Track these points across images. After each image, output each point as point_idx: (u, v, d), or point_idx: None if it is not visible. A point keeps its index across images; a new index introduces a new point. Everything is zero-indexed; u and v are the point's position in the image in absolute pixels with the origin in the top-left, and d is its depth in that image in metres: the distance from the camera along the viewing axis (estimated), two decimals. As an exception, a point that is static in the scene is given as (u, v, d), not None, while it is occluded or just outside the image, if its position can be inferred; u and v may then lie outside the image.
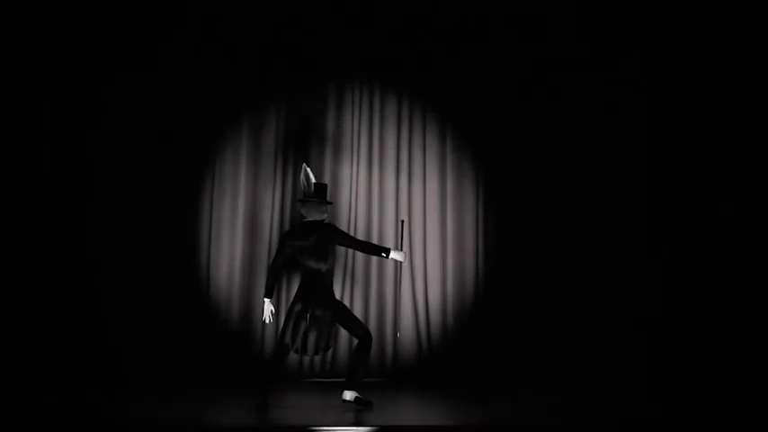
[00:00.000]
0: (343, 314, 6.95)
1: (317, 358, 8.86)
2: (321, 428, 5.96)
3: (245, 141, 9.17)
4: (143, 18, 8.90)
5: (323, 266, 6.93)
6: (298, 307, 6.88)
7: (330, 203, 7.23)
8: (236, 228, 9.09)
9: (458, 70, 9.30)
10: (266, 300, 7.02)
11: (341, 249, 8.99)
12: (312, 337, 6.87)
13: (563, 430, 6.08)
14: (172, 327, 8.88)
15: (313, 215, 6.95)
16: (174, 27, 9.03)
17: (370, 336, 6.98)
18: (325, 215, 7.02)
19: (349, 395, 6.83)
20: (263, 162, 9.17)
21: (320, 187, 7.00)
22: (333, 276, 7.03)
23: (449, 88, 9.30)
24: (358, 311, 8.94)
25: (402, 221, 7.61)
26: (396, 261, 7.18)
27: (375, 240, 9.06)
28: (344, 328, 7.00)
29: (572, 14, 9.03)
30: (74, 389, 7.98)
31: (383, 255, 7.06)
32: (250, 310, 8.98)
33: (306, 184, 6.96)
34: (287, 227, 8.94)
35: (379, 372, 8.98)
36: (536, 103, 9.24)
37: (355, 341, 7.01)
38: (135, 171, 8.94)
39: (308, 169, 7.02)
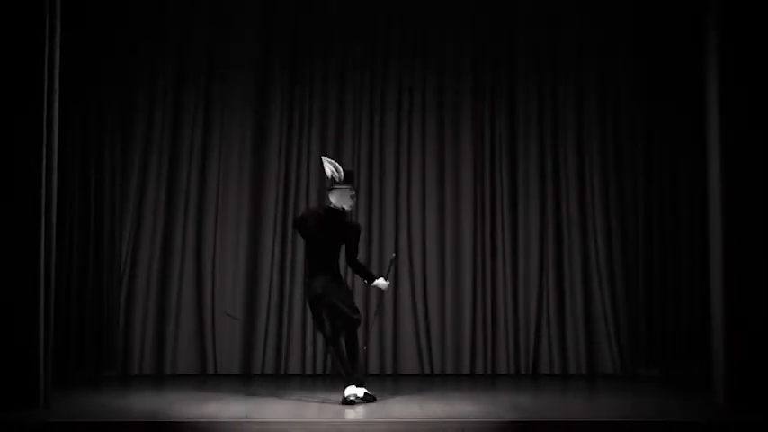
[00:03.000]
0: (347, 295, 7.00)
1: (319, 353, 8.97)
2: (323, 421, 6.06)
3: (248, 141, 9.32)
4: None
5: (336, 253, 6.95)
6: (317, 297, 6.84)
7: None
8: (241, 221, 9.24)
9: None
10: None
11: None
12: (336, 320, 6.84)
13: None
14: (177, 323, 9.06)
15: (345, 202, 6.92)
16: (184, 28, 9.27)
17: (354, 323, 6.90)
18: (353, 203, 7.02)
19: (359, 392, 6.83)
20: (266, 159, 9.28)
21: (349, 174, 7.00)
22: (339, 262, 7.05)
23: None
24: (358, 307, 9.06)
25: (394, 255, 7.70)
26: (379, 288, 7.26)
27: (374, 242, 9.17)
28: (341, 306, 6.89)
29: None
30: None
31: (365, 281, 7.19)
32: (254, 305, 9.13)
33: (335, 171, 6.87)
34: (289, 224, 9.01)
35: (380, 367, 9.13)
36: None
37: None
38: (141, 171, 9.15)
39: (329, 160, 7.01)
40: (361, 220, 9.22)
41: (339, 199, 6.92)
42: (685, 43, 8.80)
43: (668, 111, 9.17)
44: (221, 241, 9.12)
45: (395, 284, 9.15)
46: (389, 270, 7.45)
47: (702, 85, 7.21)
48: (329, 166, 6.92)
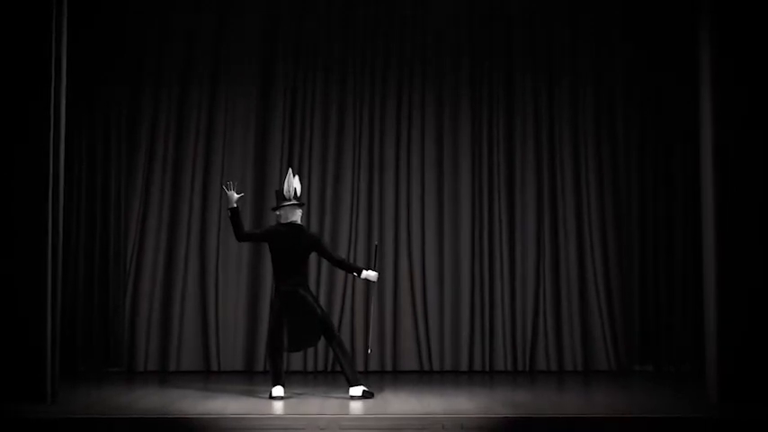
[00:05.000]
0: (319, 305, 7.20)
1: (320, 351, 9.07)
2: (324, 417, 6.13)
3: (250, 141, 9.41)
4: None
5: (302, 266, 7.17)
6: (280, 307, 7.04)
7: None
8: (244, 220, 9.23)
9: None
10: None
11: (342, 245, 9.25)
12: (302, 332, 7.03)
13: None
14: (182, 321, 9.16)
15: (295, 217, 7.18)
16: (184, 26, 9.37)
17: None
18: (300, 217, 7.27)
19: (357, 391, 7.00)
20: (268, 160, 9.37)
21: (296, 191, 7.24)
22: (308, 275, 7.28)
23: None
24: (358, 304, 9.19)
25: (376, 245, 7.83)
26: (369, 281, 7.39)
27: (375, 241, 9.24)
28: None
29: None
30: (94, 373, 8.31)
31: (355, 274, 7.31)
32: (256, 303, 9.22)
33: (289, 188, 7.16)
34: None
35: (380, 364, 9.23)
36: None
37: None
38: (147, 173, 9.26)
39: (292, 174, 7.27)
40: (362, 220, 9.35)
41: (289, 214, 7.17)
42: (681, 40, 8.90)
43: (665, 110, 9.28)
44: (225, 240, 9.17)
45: (395, 284, 9.28)
46: (375, 260, 7.58)
47: (697, 86, 7.29)
48: (291, 182, 7.19)
